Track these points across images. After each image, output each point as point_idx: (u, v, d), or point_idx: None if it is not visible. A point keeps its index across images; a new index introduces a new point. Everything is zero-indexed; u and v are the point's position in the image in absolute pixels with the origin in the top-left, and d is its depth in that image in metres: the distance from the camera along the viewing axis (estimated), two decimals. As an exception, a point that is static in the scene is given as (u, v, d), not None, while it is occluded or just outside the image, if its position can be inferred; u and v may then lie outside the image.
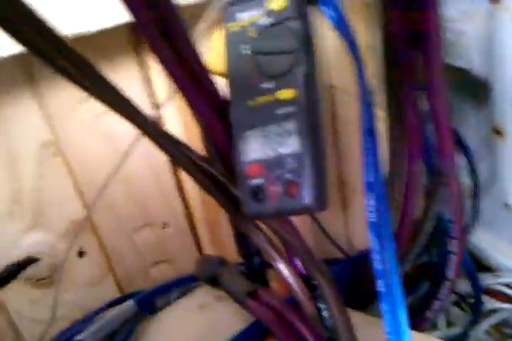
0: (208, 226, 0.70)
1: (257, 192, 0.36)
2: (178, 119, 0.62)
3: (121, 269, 0.68)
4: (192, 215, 0.69)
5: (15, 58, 0.53)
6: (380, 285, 0.28)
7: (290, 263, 0.41)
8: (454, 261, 0.42)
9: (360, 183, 0.66)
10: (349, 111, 0.60)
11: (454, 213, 0.38)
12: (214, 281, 0.53)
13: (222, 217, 0.70)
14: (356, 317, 0.38)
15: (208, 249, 0.71)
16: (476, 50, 0.63)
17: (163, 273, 0.70)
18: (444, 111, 0.34)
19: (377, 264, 0.29)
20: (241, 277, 0.48)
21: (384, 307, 0.27)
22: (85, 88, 0.32)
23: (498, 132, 0.63)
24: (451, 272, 0.42)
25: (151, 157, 0.64)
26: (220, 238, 0.71)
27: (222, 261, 0.54)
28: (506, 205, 0.63)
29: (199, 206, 0.68)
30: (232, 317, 0.49)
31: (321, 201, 0.35)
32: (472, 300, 0.66)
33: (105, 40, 0.55)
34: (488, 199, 0.67)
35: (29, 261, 0.51)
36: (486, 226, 0.68)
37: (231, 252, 0.68)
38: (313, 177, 0.35)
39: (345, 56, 0.57)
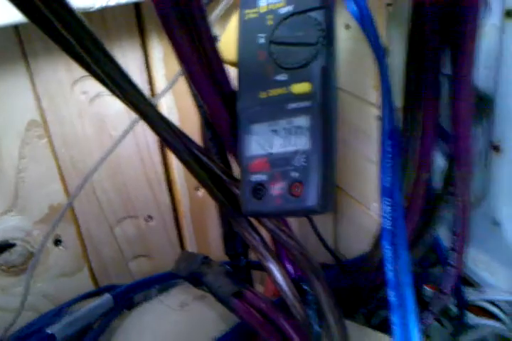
0: (194, 222, 0.68)
1: (259, 190, 0.34)
2: (174, 110, 0.60)
3: (98, 261, 0.65)
4: (178, 210, 0.67)
5: (9, 30, 0.50)
6: (392, 296, 0.26)
7: (282, 266, 0.39)
8: (452, 274, 0.40)
9: (356, 189, 0.65)
10: (352, 115, 0.59)
11: (459, 225, 0.36)
12: (196, 280, 0.51)
13: (209, 215, 0.67)
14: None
15: (192, 247, 0.69)
16: (484, 65, 0.62)
17: (141, 268, 0.67)
18: (468, 114, 0.32)
19: (389, 274, 0.27)
20: (226, 277, 0.45)
21: (394, 319, 0.26)
22: (87, 65, 0.30)
23: (495, 148, 0.62)
24: (448, 285, 0.41)
25: (141, 147, 0.62)
26: (205, 236, 0.69)
27: (205, 259, 0.52)
28: (494, 222, 0.62)
29: (187, 201, 0.66)
30: (214, 318, 0.47)
31: (326, 203, 0.33)
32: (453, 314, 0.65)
33: (108, 19, 0.53)
34: (476, 215, 0.67)
35: (4, 246, 0.48)
36: (472, 242, 0.68)
37: (215, 251, 0.66)
38: (320, 177, 0.33)
39: (355, 58, 0.56)
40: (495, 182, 0.65)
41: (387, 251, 0.27)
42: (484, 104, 0.63)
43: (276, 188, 0.33)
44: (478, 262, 0.67)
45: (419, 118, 0.38)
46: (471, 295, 0.65)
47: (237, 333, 0.43)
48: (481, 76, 0.63)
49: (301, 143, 0.33)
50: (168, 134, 0.35)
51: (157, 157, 0.63)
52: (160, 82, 0.59)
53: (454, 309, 0.64)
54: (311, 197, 0.32)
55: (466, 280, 0.67)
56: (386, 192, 0.30)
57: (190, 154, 0.37)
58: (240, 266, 0.50)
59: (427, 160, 0.38)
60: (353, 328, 0.35)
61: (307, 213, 0.36)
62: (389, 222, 0.29)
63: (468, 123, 0.33)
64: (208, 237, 0.69)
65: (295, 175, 0.33)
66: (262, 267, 0.48)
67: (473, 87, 0.34)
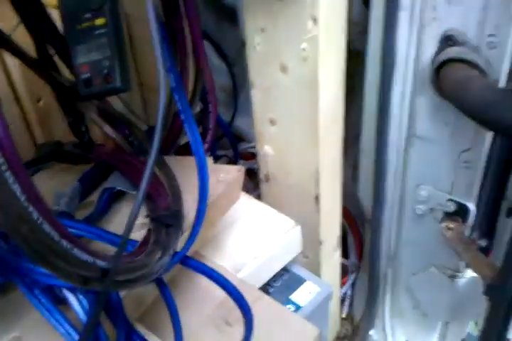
0: (41, 126, 0.90)
1: (87, 82, 0.60)
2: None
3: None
4: (27, 119, 0.89)
5: None
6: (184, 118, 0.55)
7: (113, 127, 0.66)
8: (211, 117, 0.71)
9: (154, 84, 0.93)
10: (141, 30, 0.85)
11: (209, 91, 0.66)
12: (58, 157, 0.76)
13: (52, 118, 0.91)
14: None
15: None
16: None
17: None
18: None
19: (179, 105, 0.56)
20: (78, 145, 0.72)
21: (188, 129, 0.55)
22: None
23: (243, 44, 0.93)
24: (210, 125, 0.72)
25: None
26: (51, 134, 0.92)
27: (59, 143, 0.77)
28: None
29: (32, 111, 0.88)
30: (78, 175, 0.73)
31: (126, 85, 0.60)
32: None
33: None
34: (244, 91, 1.00)
35: None
36: (243, 112, 1.01)
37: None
38: (120, 70, 0.60)
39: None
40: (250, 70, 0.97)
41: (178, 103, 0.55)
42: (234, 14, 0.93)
43: (97, 80, 0.60)
44: (246, 124, 1.01)
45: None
46: (243, 146, 1.00)
47: (96, 171, 0.70)
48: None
49: (106, 52, 0.59)
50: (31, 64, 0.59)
51: (3, 77, 0.83)
52: None
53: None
54: (118, 82, 0.59)
55: (239, 138, 1.01)
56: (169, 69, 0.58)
57: (47, 73, 0.62)
58: (85, 142, 0.76)
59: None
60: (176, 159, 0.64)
61: (117, 91, 0.62)
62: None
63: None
64: (54, 135, 0.92)
65: (106, 70, 0.59)
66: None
67: None
